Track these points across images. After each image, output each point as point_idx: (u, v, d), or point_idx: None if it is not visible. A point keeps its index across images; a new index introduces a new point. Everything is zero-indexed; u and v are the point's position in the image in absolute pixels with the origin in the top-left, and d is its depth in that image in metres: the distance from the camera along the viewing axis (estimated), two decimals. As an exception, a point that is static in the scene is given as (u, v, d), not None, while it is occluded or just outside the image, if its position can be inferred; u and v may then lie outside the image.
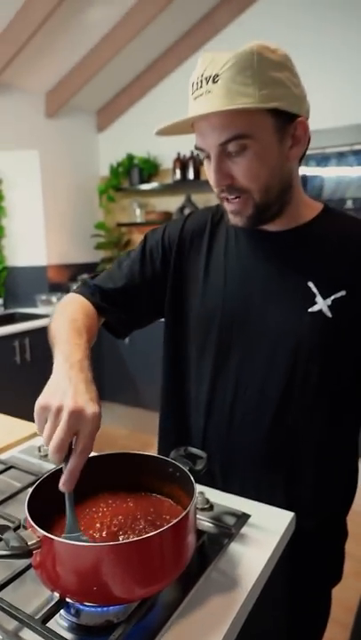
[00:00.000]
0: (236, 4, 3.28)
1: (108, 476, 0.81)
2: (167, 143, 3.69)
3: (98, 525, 0.73)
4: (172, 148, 3.64)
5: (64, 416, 0.64)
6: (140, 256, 1.06)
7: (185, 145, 3.56)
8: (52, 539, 0.60)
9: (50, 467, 1.06)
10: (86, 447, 0.65)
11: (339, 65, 3.01)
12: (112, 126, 4.10)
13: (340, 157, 2.85)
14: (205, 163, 0.87)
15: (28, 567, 0.71)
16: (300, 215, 0.93)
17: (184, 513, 0.64)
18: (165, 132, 0.85)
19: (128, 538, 0.69)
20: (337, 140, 2.84)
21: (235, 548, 0.81)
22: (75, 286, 3.69)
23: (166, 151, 3.76)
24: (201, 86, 0.79)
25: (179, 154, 3.62)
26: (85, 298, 1.02)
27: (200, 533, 0.78)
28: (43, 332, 3.64)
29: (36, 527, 0.62)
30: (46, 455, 1.12)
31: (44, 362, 3.67)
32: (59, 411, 0.65)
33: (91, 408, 0.65)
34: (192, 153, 3.57)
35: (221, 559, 0.78)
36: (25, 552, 0.60)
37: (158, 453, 1.11)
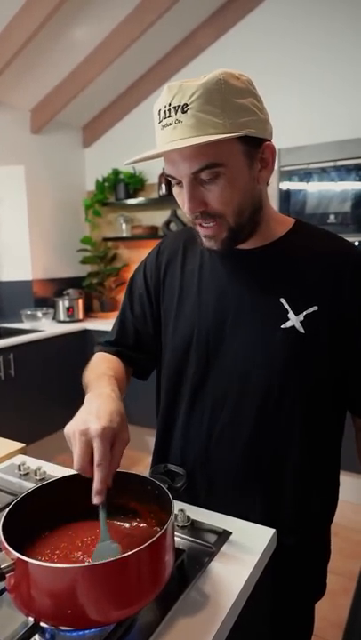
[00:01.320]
0: (217, 26, 3.34)
1: (83, 497, 0.80)
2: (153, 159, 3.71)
3: (79, 544, 0.72)
4: (158, 163, 3.63)
5: (76, 438, 0.71)
6: (131, 304, 1.13)
7: (170, 160, 3.59)
8: (26, 561, 0.59)
9: (30, 485, 1.04)
10: (101, 460, 0.69)
11: (321, 82, 3.07)
12: (98, 142, 4.13)
13: (323, 173, 2.89)
14: (176, 189, 0.87)
15: (2, 591, 0.70)
16: (272, 232, 0.94)
17: (161, 532, 0.64)
18: (137, 162, 0.86)
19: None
20: (320, 156, 2.89)
21: (215, 566, 0.80)
22: (60, 301, 3.68)
23: (152, 166, 3.79)
24: (169, 115, 0.79)
25: (164, 169, 3.64)
26: (107, 352, 1.11)
27: (179, 552, 0.78)
28: (28, 348, 3.62)
29: (9, 549, 0.61)
30: (27, 474, 1.10)
31: (30, 378, 3.67)
32: (74, 434, 0.72)
33: (94, 424, 0.70)
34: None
35: (201, 578, 0.77)
36: (-3, 575, 0.59)
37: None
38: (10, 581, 0.62)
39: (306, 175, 2.91)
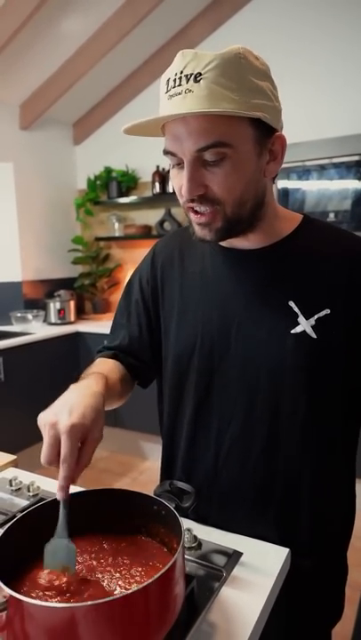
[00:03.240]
0: (212, 20, 3.28)
1: (87, 515, 0.73)
2: (146, 156, 3.65)
3: (79, 567, 0.65)
4: (151, 161, 3.60)
5: (45, 430, 0.68)
6: (127, 310, 1.06)
7: (164, 158, 3.49)
8: (21, 600, 0.51)
9: (22, 503, 0.97)
10: (66, 457, 0.66)
11: (319, 78, 3.02)
12: (89, 139, 4.04)
13: (322, 170, 2.84)
14: (174, 171, 0.80)
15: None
16: (277, 230, 0.87)
17: (171, 561, 0.57)
18: (134, 131, 0.79)
19: (110, 588, 0.62)
20: (318, 152, 2.84)
21: (227, 592, 0.74)
22: (51, 303, 3.60)
23: (145, 164, 3.72)
24: (179, 84, 0.71)
25: (158, 167, 3.58)
26: (106, 357, 1.03)
27: (188, 578, 0.71)
28: (18, 351, 3.52)
29: (2, 585, 0.53)
30: (19, 489, 1.03)
31: (20, 382, 3.57)
32: (44, 426, 0.69)
33: (64, 419, 0.67)
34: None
35: (212, 607, 0.70)
36: (-13, 617, 0.52)
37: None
38: (1, 620, 0.55)
39: (304, 172, 2.86)
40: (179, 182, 0.78)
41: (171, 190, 3.53)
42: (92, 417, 0.69)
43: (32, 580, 0.65)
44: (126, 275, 3.93)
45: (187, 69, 0.71)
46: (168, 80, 0.74)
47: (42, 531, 0.68)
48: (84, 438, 0.68)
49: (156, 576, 0.54)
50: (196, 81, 0.70)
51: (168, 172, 3.53)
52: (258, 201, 0.81)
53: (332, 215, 2.78)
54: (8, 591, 0.53)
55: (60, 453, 0.66)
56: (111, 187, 3.79)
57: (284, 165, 2.88)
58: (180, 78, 0.71)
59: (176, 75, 0.72)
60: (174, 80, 0.72)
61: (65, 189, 4.04)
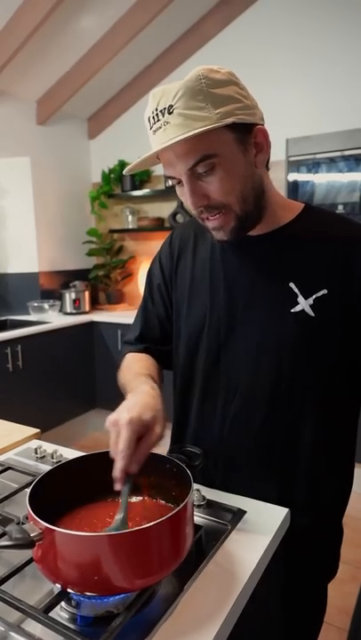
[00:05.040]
0: (225, 14, 3.33)
1: (104, 475, 0.81)
2: (158, 150, 3.72)
3: (107, 519, 0.75)
4: (164, 154, 3.66)
5: (110, 428, 0.76)
6: (151, 296, 1.16)
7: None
8: (54, 529, 0.61)
9: (47, 468, 1.06)
10: (122, 449, 0.73)
11: (328, 71, 3.06)
12: (103, 133, 4.13)
13: (331, 163, 2.90)
14: (179, 189, 0.89)
15: (27, 563, 0.73)
16: (279, 218, 0.95)
17: (182, 504, 0.66)
18: (135, 169, 0.89)
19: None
20: (328, 145, 2.89)
21: (231, 542, 0.83)
22: (67, 293, 3.70)
23: (158, 158, 3.78)
24: (158, 120, 0.81)
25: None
26: (136, 351, 1.14)
27: (197, 528, 0.80)
28: (35, 339, 3.63)
29: (37, 519, 0.63)
30: (43, 457, 1.13)
31: (37, 369, 3.67)
32: (109, 424, 0.77)
33: (124, 416, 0.74)
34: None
35: (218, 553, 0.79)
36: (28, 542, 0.61)
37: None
38: (37, 551, 0.64)
39: (314, 165, 2.92)
40: (185, 198, 0.88)
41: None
42: (150, 414, 0.77)
43: (64, 521, 0.74)
44: (139, 266, 4.02)
45: (160, 105, 0.81)
46: (149, 118, 0.84)
47: (73, 481, 0.78)
48: (143, 433, 0.75)
49: (170, 514, 0.63)
50: (169, 113, 0.80)
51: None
52: (258, 192, 0.89)
53: (341, 207, 2.84)
54: (43, 523, 0.62)
55: None
56: (125, 180, 3.87)
57: (294, 158, 2.95)
58: (157, 115, 0.81)
59: (153, 112, 0.82)
60: (153, 117, 0.82)
61: (80, 183, 4.14)
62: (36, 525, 0.63)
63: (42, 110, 3.70)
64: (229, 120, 0.80)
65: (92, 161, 4.24)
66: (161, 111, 0.80)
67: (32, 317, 3.57)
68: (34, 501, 0.68)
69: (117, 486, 0.74)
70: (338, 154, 2.93)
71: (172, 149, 0.81)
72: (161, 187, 3.80)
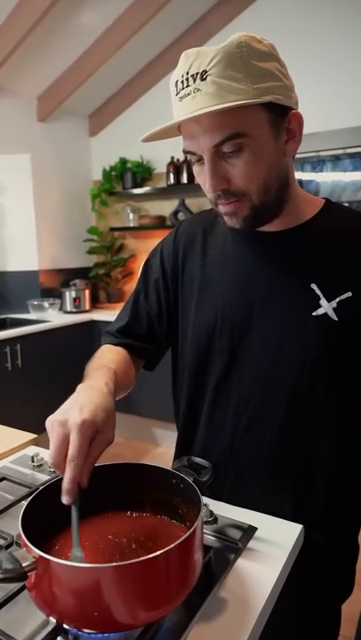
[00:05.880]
0: (228, 10, 3.27)
1: (106, 489, 0.76)
2: (161, 147, 3.65)
3: (101, 546, 0.68)
4: (166, 151, 3.61)
5: (53, 429, 0.66)
6: (145, 290, 1.06)
7: (179, 149, 3.51)
8: (49, 559, 0.55)
9: (44, 478, 1.01)
10: (74, 455, 0.63)
11: (332, 68, 3.00)
12: (105, 130, 4.07)
13: (336, 161, 2.84)
14: (197, 167, 0.81)
15: (22, 588, 0.66)
16: (300, 213, 0.88)
17: (191, 529, 0.59)
18: (152, 138, 0.81)
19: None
20: (332, 143, 2.83)
21: (242, 563, 0.76)
22: (67, 292, 3.65)
23: (160, 155, 3.73)
24: (187, 85, 0.73)
25: (172, 157, 3.59)
26: (113, 344, 1.04)
27: (206, 549, 0.73)
28: (34, 338, 3.57)
29: (31, 546, 0.57)
30: (40, 465, 1.06)
31: (36, 368, 3.63)
32: (52, 424, 0.66)
33: (74, 416, 0.65)
34: (186, 157, 3.52)
35: (229, 577, 0.73)
36: (19, 575, 0.55)
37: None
38: (30, 580, 0.58)
39: (319, 163, 2.86)
40: (203, 178, 0.80)
41: (185, 181, 3.54)
42: (102, 416, 0.67)
43: (61, 543, 0.68)
44: (140, 265, 3.95)
45: (192, 69, 0.72)
46: (176, 82, 0.76)
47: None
48: (93, 437, 0.65)
49: (178, 541, 0.57)
50: (202, 79, 0.71)
51: (182, 162, 3.54)
52: (282, 183, 0.82)
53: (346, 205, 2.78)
54: (36, 551, 0.56)
55: (67, 454, 0.64)
56: (126, 178, 3.81)
57: (298, 156, 2.88)
58: (187, 79, 0.73)
59: (183, 76, 0.74)
60: (182, 82, 0.74)
61: (80, 180, 4.08)
62: (29, 553, 0.57)
63: (42, 107, 3.64)
64: (267, 98, 0.72)
65: (92, 158, 4.17)
66: (192, 76, 0.72)
67: (32, 316, 3.52)
68: (27, 522, 0.61)
69: (66, 500, 0.63)
70: (342, 151, 2.87)
71: (198, 121, 0.73)
72: (162, 184, 3.74)
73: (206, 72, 0.71)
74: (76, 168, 4.04)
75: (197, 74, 0.72)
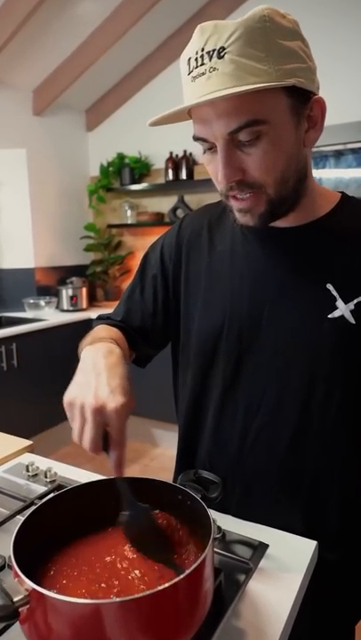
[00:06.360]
0: (229, 1, 3.19)
1: (107, 504, 0.70)
2: (159, 142, 3.59)
3: (98, 570, 0.62)
4: (165, 147, 3.54)
5: (88, 415, 0.63)
6: (142, 286, 0.99)
7: (177, 144, 3.46)
8: (44, 594, 0.48)
9: (40, 489, 0.94)
10: (120, 439, 0.64)
11: (336, 62, 2.94)
12: (102, 125, 3.99)
13: (338, 156, 2.78)
14: (207, 156, 0.74)
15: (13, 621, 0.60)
16: (316, 207, 0.82)
17: (201, 557, 0.53)
18: (160, 122, 0.73)
19: (134, 587, 0.58)
20: (333, 138, 2.76)
21: (254, 586, 0.70)
22: (64, 290, 3.58)
23: (158, 151, 3.66)
24: (202, 63, 0.65)
25: (171, 153, 3.52)
26: (109, 325, 0.97)
27: (216, 572, 0.67)
28: (30, 337, 3.50)
29: (23, 578, 0.50)
30: (35, 475, 1.00)
31: (32, 368, 3.56)
32: (82, 408, 0.64)
33: (112, 402, 0.63)
34: (185, 152, 3.47)
35: (241, 601, 0.67)
36: (10, 613, 0.48)
37: (173, 478, 1.01)
38: (23, 613, 0.52)
39: (321, 159, 2.80)
40: (214, 168, 0.74)
41: (184, 177, 3.47)
42: (129, 390, 0.66)
43: (57, 567, 0.62)
44: (138, 262, 3.88)
45: (208, 45, 0.65)
46: (189, 59, 0.68)
47: (61, 520, 0.66)
48: None
49: (187, 572, 0.51)
50: (219, 57, 0.64)
51: (181, 158, 3.47)
52: (300, 175, 0.76)
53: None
54: (29, 584, 0.50)
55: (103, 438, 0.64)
56: (124, 173, 3.74)
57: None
58: (202, 56, 0.66)
59: (197, 53, 0.66)
60: (196, 59, 0.67)
61: (77, 176, 4.00)
62: (22, 585, 0.50)
63: (38, 100, 3.56)
64: (291, 81, 0.65)
65: (89, 154, 4.10)
66: (208, 53, 0.65)
67: (28, 314, 3.45)
68: (19, 547, 0.55)
69: (119, 473, 0.65)
70: (342, 147, 2.82)
71: (213, 105, 0.66)
72: (161, 180, 3.67)
73: (224, 49, 0.64)
74: (72, 163, 3.96)
75: (214, 51, 0.64)
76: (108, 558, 0.65)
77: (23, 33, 2.86)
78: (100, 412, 0.62)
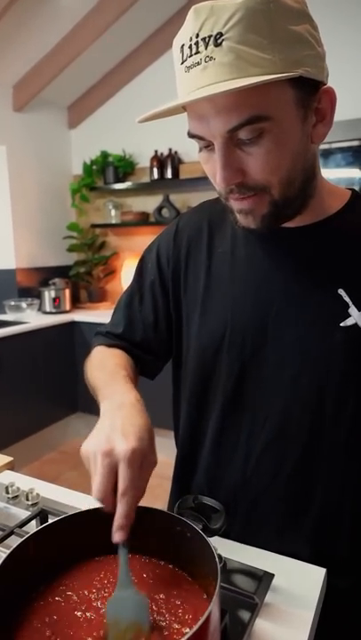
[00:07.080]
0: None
1: (96, 535, 0.62)
2: (144, 140, 3.51)
3: (94, 593, 0.54)
4: (149, 145, 3.46)
5: (98, 460, 0.58)
6: (140, 294, 0.93)
7: (163, 142, 3.39)
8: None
9: (21, 514, 0.86)
10: (127, 489, 0.56)
11: (338, 58, 2.89)
12: (85, 122, 3.89)
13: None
14: (204, 154, 0.67)
15: None
16: (326, 207, 0.75)
17: (208, 610, 0.46)
18: (151, 118, 0.65)
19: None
20: (337, 135, 2.72)
21: (262, 626, 0.63)
22: (46, 291, 3.48)
23: (143, 149, 3.58)
24: (197, 51, 0.58)
25: (156, 151, 3.44)
26: (110, 345, 0.91)
27: (222, 613, 0.60)
28: (12, 340, 3.39)
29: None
30: (16, 497, 0.92)
31: (14, 372, 3.45)
32: (94, 454, 0.58)
33: (121, 444, 0.57)
34: (170, 151, 3.39)
35: (248, 645, 0.60)
36: None
37: (169, 501, 0.94)
38: None
39: (321, 156, 2.75)
40: (211, 168, 0.66)
41: (169, 176, 3.40)
42: (147, 440, 0.60)
43: (39, 613, 0.54)
44: (123, 263, 3.80)
45: (204, 31, 0.58)
46: (182, 46, 0.61)
47: (42, 554, 0.58)
48: (141, 465, 0.58)
49: (191, 632, 0.44)
50: (216, 44, 0.57)
51: (166, 157, 3.39)
52: (308, 175, 0.69)
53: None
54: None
55: (114, 487, 0.57)
56: (108, 172, 3.65)
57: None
58: (197, 43, 0.58)
59: (191, 39, 0.59)
60: (190, 46, 0.59)
61: (60, 174, 3.90)
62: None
63: (18, 96, 3.45)
64: (298, 72, 0.58)
65: (72, 152, 3.99)
66: (204, 39, 0.57)
67: (9, 317, 3.35)
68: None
69: (118, 537, 0.55)
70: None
71: (210, 101, 0.59)
72: (146, 179, 3.59)
73: (222, 35, 0.56)
74: (54, 161, 3.85)
75: (210, 37, 0.57)
76: (105, 594, 0.58)
77: (2, 26, 2.76)
78: (108, 454, 0.57)
